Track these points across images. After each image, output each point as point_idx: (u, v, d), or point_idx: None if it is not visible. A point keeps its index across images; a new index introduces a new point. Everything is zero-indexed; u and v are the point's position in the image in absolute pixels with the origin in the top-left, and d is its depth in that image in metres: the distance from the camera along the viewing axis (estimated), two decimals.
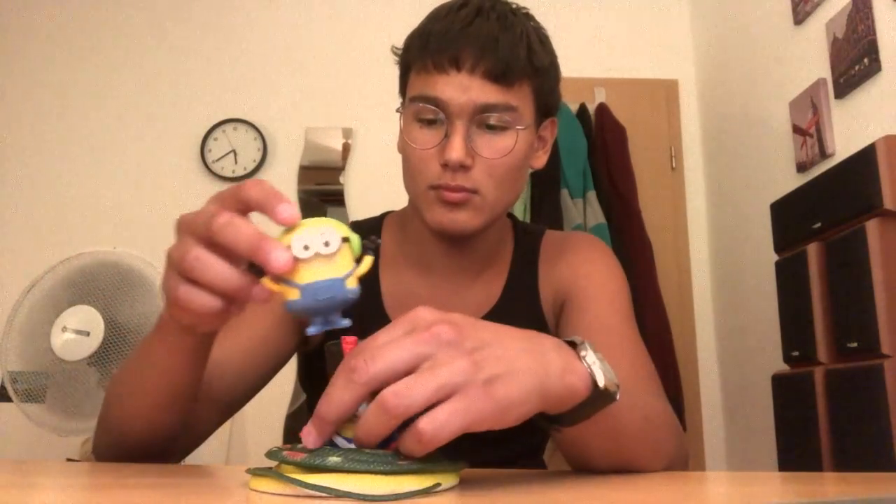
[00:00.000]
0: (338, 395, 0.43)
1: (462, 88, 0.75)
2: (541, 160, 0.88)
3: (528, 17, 0.83)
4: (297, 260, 0.46)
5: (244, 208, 0.48)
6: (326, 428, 0.44)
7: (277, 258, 0.45)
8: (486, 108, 0.76)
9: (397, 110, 0.83)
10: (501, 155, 0.77)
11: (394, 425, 0.42)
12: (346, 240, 0.48)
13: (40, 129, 2.92)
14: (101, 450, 0.72)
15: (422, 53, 0.78)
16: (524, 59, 0.77)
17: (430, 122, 0.78)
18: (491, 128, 0.78)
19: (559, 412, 0.51)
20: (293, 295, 0.46)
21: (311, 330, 0.48)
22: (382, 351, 0.43)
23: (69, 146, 2.91)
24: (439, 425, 0.41)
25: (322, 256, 0.46)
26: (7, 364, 1.79)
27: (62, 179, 2.88)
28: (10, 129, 2.92)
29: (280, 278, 0.47)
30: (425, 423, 0.41)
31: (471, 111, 0.76)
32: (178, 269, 0.49)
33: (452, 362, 0.43)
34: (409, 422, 0.43)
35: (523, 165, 0.82)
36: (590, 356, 0.50)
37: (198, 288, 0.48)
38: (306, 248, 0.46)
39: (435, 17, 0.80)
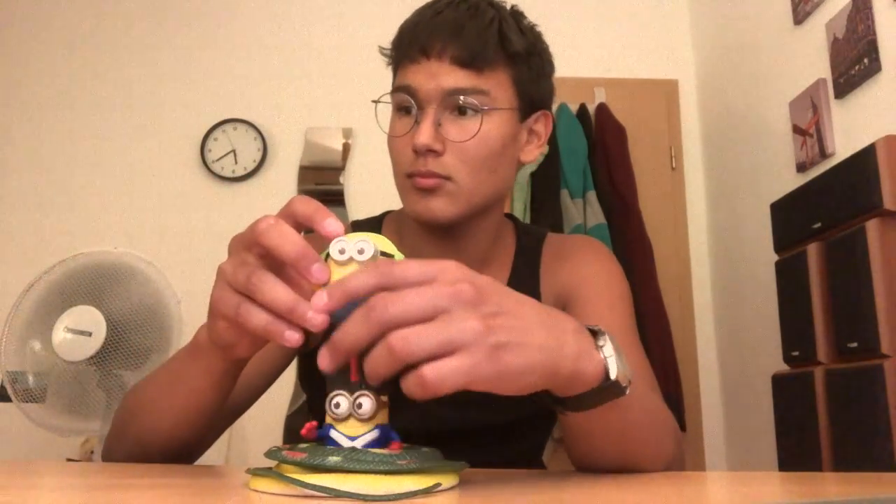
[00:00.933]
0: (354, 328, 0.44)
1: (430, 75, 0.77)
2: (531, 154, 0.86)
3: (518, 14, 0.83)
4: (333, 263, 0.48)
5: (292, 223, 0.50)
6: (338, 356, 0.45)
7: (318, 269, 0.47)
8: (455, 93, 0.77)
9: (373, 101, 0.84)
10: (470, 136, 0.77)
11: (397, 367, 0.43)
12: (388, 255, 0.50)
13: (40, 129, 2.92)
14: (115, 457, 0.72)
15: (398, 50, 0.82)
16: (494, 44, 0.77)
17: (406, 111, 0.80)
18: (462, 113, 0.78)
19: (567, 395, 0.51)
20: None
21: None
22: (402, 297, 0.44)
23: (69, 146, 2.91)
24: (442, 375, 0.42)
25: (357, 263, 0.48)
26: (7, 364, 1.79)
27: (62, 179, 2.88)
28: (10, 128, 2.92)
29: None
30: (429, 371, 0.42)
31: (439, 96, 0.77)
32: (234, 285, 0.49)
33: (465, 321, 0.44)
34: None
35: (502, 153, 0.81)
36: (608, 347, 0.51)
37: (257, 306, 0.48)
38: (342, 251, 0.48)
39: (412, 15, 0.82)
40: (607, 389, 0.51)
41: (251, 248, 0.50)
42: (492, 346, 0.44)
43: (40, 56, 2.98)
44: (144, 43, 3.02)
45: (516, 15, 0.83)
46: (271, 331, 0.48)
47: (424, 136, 0.76)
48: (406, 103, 0.79)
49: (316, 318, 0.47)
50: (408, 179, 0.79)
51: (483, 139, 0.78)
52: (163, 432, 0.66)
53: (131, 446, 0.69)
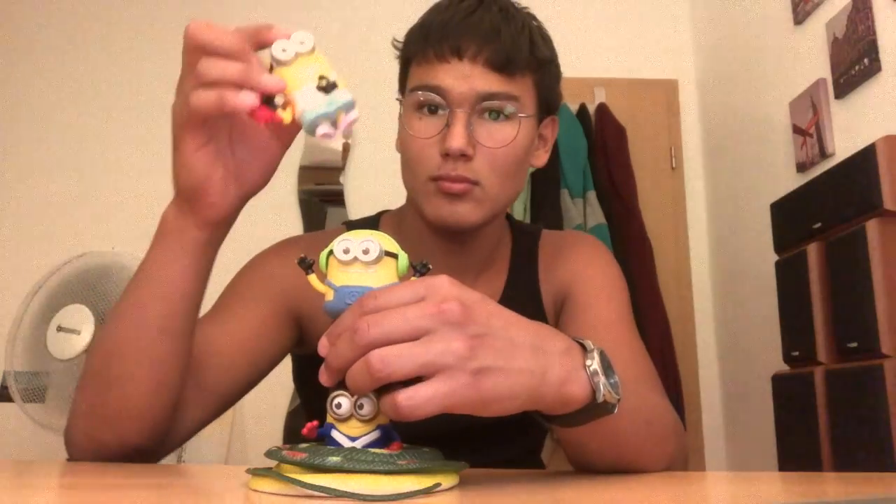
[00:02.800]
0: (341, 350, 0.45)
1: (463, 77, 0.75)
2: (541, 159, 0.87)
3: (531, 15, 0.83)
4: (336, 263, 0.48)
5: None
6: (332, 374, 0.46)
7: (276, 31, 0.53)
8: (488, 97, 0.76)
9: (398, 99, 0.83)
10: (503, 144, 0.76)
11: (376, 385, 0.44)
12: (393, 256, 0.49)
13: (40, 129, 2.92)
14: (83, 434, 0.64)
15: (423, 44, 0.78)
16: (526, 50, 0.77)
17: (432, 112, 0.77)
18: (493, 117, 0.77)
19: (553, 414, 0.51)
20: (329, 296, 0.48)
21: None
22: (386, 318, 0.44)
23: (68, 146, 2.91)
24: (417, 404, 0.43)
25: (362, 263, 0.48)
26: (14, 364, 1.79)
27: (63, 180, 2.88)
28: (9, 128, 2.92)
29: (322, 278, 0.49)
30: (403, 399, 0.43)
31: (472, 99, 0.75)
32: (182, 91, 0.53)
33: (449, 343, 0.43)
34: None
35: (524, 160, 0.81)
36: (594, 366, 0.50)
37: (205, 88, 0.51)
38: (346, 251, 0.48)
39: (436, 10, 0.80)
40: (594, 409, 0.51)
41: (191, 55, 0.52)
42: (473, 371, 0.44)
43: (43, 58, 2.98)
44: (144, 43, 3.02)
45: (535, 18, 0.83)
46: (226, 99, 0.50)
47: (459, 140, 0.74)
48: (433, 102, 0.77)
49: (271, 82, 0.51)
50: (431, 182, 0.77)
51: (514, 146, 0.77)
52: (144, 355, 0.60)
53: (112, 400, 0.62)
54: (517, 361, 0.46)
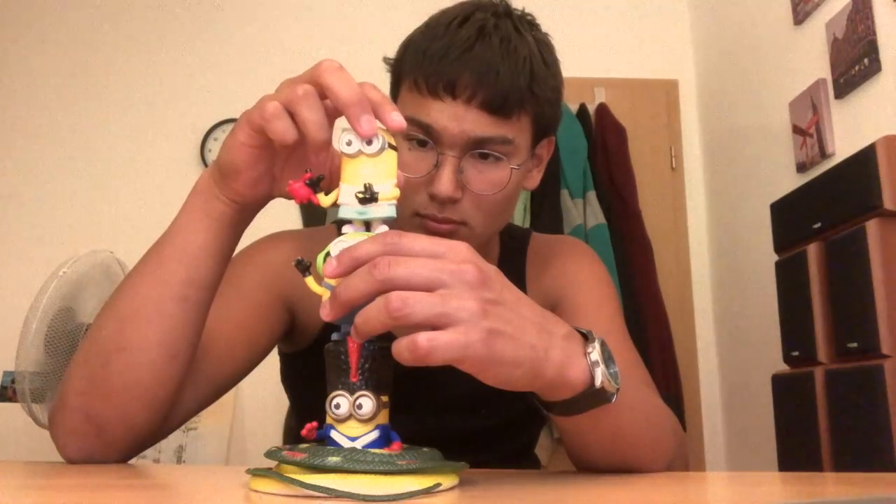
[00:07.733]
0: (355, 282, 0.45)
1: (456, 118, 0.71)
2: (534, 180, 0.84)
3: (532, 26, 0.78)
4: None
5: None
6: (338, 307, 0.46)
7: (367, 121, 0.50)
8: (481, 142, 0.72)
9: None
10: (493, 191, 0.74)
11: (389, 326, 0.43)
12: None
13: (39, 130, 2.92)
14: (78, 413, 0.61)
15: (415, 71, 0.74)
16: (525, 87, 0.73)
17: (421, 145, 0.74)
18: (484, 158, 0.74)
19: (552, 399, 0.52)
20: (326, 298, 0.48)
21: (335, 335, 0.50)
22: (407, 262, 0.44)
23: (68, 146, 2.91)
24: (436, 346, 0.43)
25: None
26: (26, 365, 1.79)
27: (62, 179, 2.88)
28: (9, 129, 2.92)
29: (321, 282, 0.49)
30: (424, 340, 0.43)
31: (464, 143, 0.72)
32: (275, 97, 0.53)
33: (464, 300, 0.44)
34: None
35: (515, 196, 0.79)
36: (594, 354, 0.51)
37: (289, 117, 0.52)
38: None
39: (433, 33, 0.75)
40: (592, 396, 0.51)
41: (307, 82, 0.52)
42: (486, 330, 0.44)
43: (41, 55, 2.98)
44: (145, 43, 3.02)
45: (540, 44, 0.77)
46: (286, 136, 0.51)
47: (447, 186, 0.71)
48: (423, 139, 0.73)
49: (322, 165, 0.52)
50: (416, 218, 0.75)
51: (505, 190, 0.75)
52: (153, 324, 0.60)
53: (115, 375, 0.60)
54: (525, 334, 0.47)
